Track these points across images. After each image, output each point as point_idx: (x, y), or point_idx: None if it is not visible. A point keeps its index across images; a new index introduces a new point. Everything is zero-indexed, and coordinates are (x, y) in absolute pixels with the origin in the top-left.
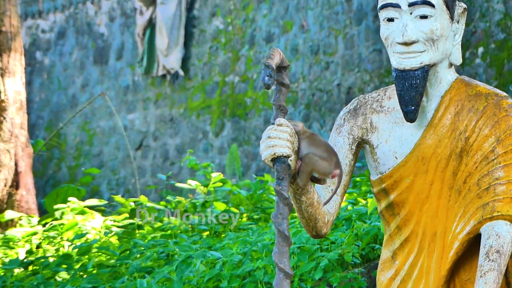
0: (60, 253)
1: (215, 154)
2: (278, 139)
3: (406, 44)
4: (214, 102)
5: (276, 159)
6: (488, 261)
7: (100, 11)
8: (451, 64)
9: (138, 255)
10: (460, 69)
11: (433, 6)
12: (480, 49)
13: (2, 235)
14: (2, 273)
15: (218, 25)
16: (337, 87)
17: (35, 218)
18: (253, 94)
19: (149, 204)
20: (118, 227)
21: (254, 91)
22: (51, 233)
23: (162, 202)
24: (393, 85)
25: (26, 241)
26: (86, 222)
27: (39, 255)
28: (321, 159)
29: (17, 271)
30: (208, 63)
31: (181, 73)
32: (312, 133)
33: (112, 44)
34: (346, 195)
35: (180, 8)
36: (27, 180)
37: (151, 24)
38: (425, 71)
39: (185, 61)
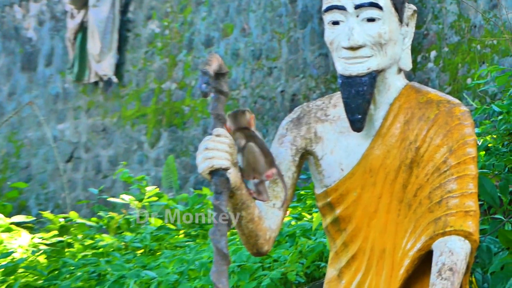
0: None
1: (151, 166)
2: (216, 150)
3: (352, 48)
4: (150, 111)
5: (214, 172)
6: (441, 279)
7: (28, 14)
8: (400, 70)
9: (68, 275)
10: (411, 75)
11: (380, 8)
12: (433, 53)
13: None
14: None
15: (154, 28)
16: (280, 94)
17: None
18: (191, 102)
19: (80, 221)
20: (46, 245)
21: (192, 98)
22: None
23: (94, 218)
24: (339, 92)
25: None
26: (12, 240)
27: None
28: (259, 153)
29: None
30: (143, 69)
31: (115, 79)
32: (255, 135)
33: (41, 49)
34: (290, 209)
35: (113, 10)
36: None
37: (82, 28)
38: (373, 77)
39: (119, 67)
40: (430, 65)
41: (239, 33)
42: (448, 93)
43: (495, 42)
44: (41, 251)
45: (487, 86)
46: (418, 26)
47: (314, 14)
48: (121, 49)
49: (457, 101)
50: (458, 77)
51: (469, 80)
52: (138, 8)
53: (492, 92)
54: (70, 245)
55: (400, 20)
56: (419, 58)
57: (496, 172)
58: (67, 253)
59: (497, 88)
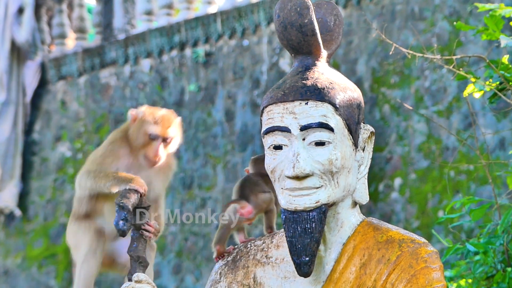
0: None
1: None
2: None
3: (298, 178)
4: (60, 250)
5: None
6: None
7: None
8: (355, 203)
9: None
10: (372, 207)
11: (331, 130)
12: (397, 180)
13: None
14: None
15: (64, 152)
16: (216, 229)
17: None
18: None
19: None
20: None
21: None
22: None
23: None
24: (282, 230)
25: None
26: None
27: None
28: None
29: None
30: (52, 200)
31: (18, 213)
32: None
33: None
34: None
35: (15, 130)
36: None
37: None
38: (322, 212)
39: (22, 198)
40: (395, 195)
41: None
42: (416, 229)
43: (471, 167)
44: None
45: (462, 220)
46: (380, 149)
47: (255, 135)
48: (25, 177)
49: (423, 240)
50: (427, 210)
51: (440, 213)
52: (45, 127)
53: (468, 228)
54: None
55: (355, 144)
56: (381, 187)
57: None
58: None
59: (473, 223)
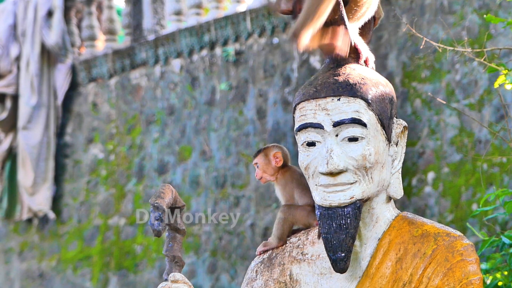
0: None
1: None
2: None
3: (332, 174)
4: (95, 252)
5: None
6: None
7: None
8: (390, 198)
9: None
10: (405, 201)
11: (364, 125)
12: (430, 175)
13: None
14: None
15: (96, 153)
16: (250, 228)
17: None
18: (144, 240)
19: None
20: None
21: (146, 236)
22: None
23: None
24: (318, 226)
25: None
26: None
27: None
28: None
29: None
30: (86, 202)
31: (52, 215)
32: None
33: None
34: None
35: (48, 133)
36: None
37: (11, 155)
38: (357, 207)
39: (56, 201)
40: (428, 189)
41: (198, 157)
42: (450, 222)
43: (504, 160)
44: None
45: (496, 213)
46: (412, 143)
47: (287, 132)
48: (58, 179)
49: (458, 233)
50: (461, 203)
51: (474, 206)
52: (77, 129)
53: (502, 220)
54: None
55: (388, 139)
56: (414, 181)
57: None
58: None
59: (508, 216)
